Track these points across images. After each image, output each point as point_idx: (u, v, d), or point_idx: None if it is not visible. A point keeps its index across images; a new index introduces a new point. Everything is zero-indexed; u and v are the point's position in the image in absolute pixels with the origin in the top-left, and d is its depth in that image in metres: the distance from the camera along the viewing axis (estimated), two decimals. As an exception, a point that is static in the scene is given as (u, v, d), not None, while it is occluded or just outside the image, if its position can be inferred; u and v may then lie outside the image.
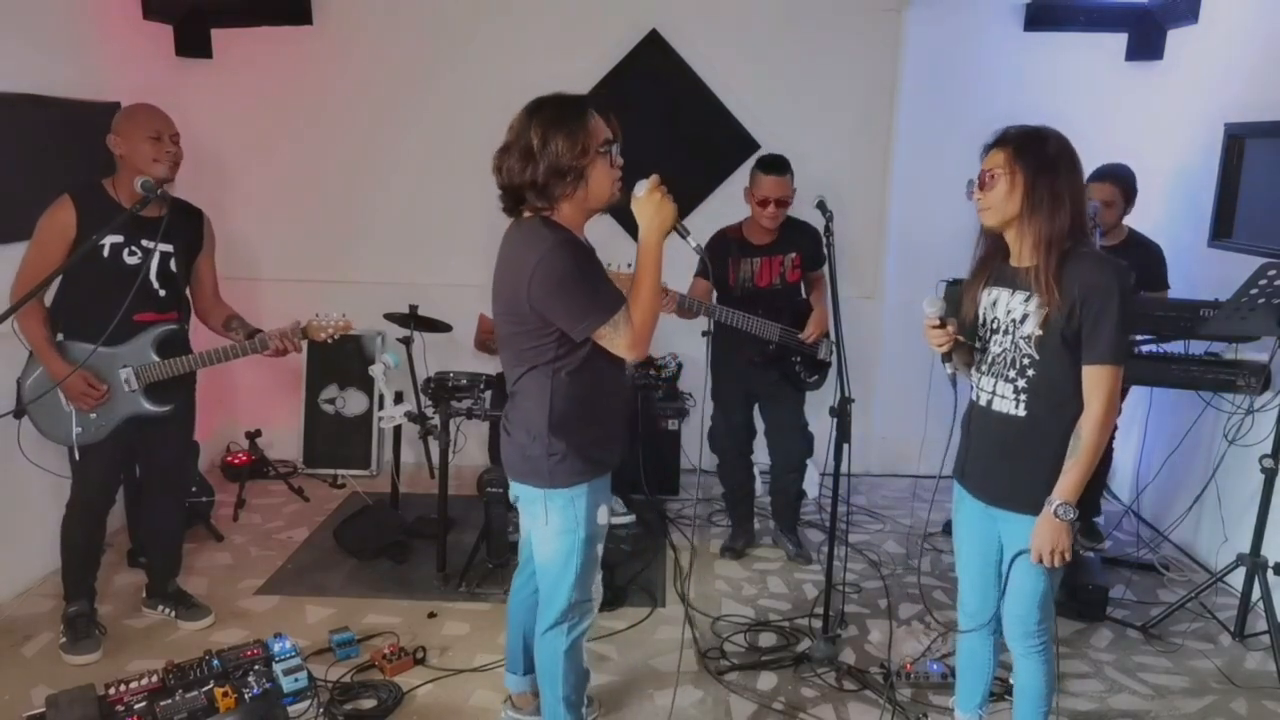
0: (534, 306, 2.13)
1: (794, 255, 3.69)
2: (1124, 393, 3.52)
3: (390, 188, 4.73)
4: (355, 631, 3.17)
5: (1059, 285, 2.09)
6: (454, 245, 4.64)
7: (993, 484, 2.31)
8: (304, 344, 3.08)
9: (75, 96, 3.61)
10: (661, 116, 4.55)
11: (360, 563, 3.78)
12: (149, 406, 3.01)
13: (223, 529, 4.07)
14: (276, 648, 2.92)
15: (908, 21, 4.51)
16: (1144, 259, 3.65)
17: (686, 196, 4.02)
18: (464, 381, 3.86)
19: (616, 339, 2.15)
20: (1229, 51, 3.99)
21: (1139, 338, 3.44)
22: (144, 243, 2.90)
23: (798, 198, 3.58)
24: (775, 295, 3.69)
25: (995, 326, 2.27)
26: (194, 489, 3.94)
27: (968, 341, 2.36)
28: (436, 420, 3.71)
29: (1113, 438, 3.03)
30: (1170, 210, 4.26)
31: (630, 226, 2.23)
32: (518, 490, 2.37)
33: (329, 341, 3.12)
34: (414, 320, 4.07)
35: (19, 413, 2.92)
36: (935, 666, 3.00)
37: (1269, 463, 3.16)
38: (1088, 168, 2.25)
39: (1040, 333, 2.15)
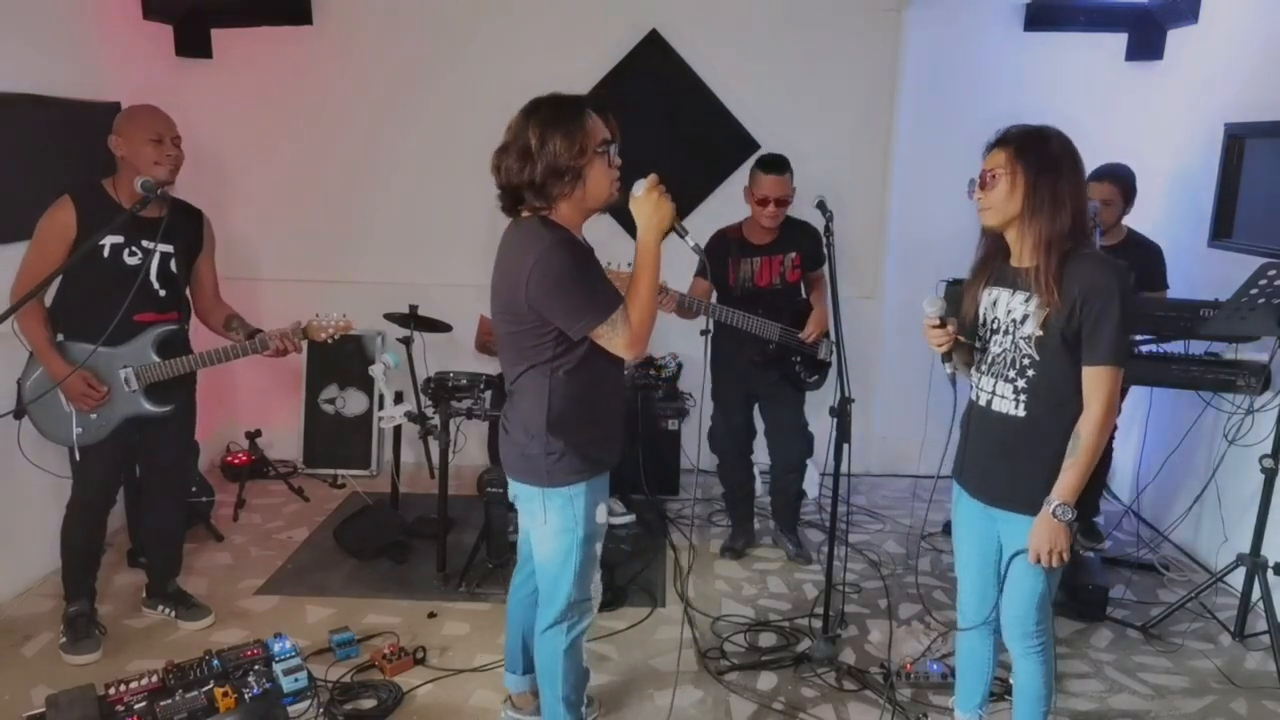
0: (532, 305, 2.13)
1: (794, 255, 3.69)
2: (1124, 393, 3.51)
3: (390, 188, 4.73)
4: (355, 631, 3.17)
5: (1059, 286, 2.09)
6: (454, 245, 4.64)
7: (992, 484, 2.31)
8: (304, 344, 3.08)
9: (75, 96, 3.61)
10: (661, 116, 4.55)
11: (360, 563, 3.78)
12: (149, 407, 3.01)
13: (223, 529, 4.08)
14: (276, 648, 2.92)
15: (908, 22, 4.51)
16: (1143, 259, 3.65)
17: (686, 196, 4.04)
18: (464, 381, 3.86)
19: (614, 338, 2.15)
20: (1229, 51, 3.99)
21: (1139, 338, 3.43)
22: (144, 243, 2.90)
23: (798, 198, 3.58)
24: (775, 295, 3.69)
25: (995, 326, 2.26)
26: (194, 489, 3.94)
27: (968, 341, 2.36)
28: (436, 420, 3.71)
29: (1112, 438, 3.02)
30: (1170, 210, 4.26)
31: (630, 226, 2.23)
32: (516, 489, 2.38)
33: (329, 341, 3.12)
34: (414, 320, 4.08)
35: (19, 413, 2.92)
36: (935, 666, 3.00)
37: (1269, 463, 3.16)
38: (1088, 168, 2.24)
39: (1040, 333, 2.14)
